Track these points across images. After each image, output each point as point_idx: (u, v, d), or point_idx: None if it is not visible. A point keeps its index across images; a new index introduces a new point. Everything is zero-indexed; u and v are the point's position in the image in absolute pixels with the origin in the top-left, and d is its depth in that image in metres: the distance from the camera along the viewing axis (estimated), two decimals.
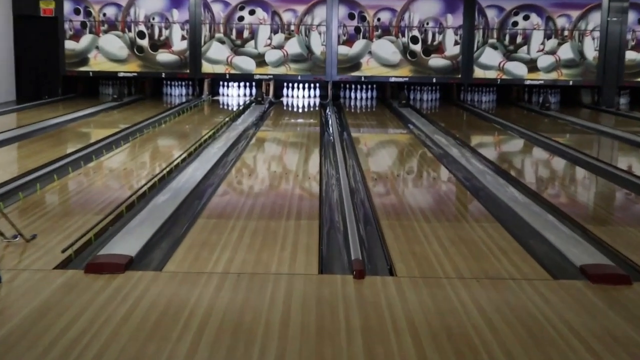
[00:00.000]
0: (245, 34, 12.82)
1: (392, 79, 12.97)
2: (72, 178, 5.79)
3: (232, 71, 12.94)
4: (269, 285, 3.27)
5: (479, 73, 13.06)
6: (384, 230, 4.31)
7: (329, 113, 11.03)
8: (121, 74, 12.78)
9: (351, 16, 12.86)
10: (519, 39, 13.00)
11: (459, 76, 13.04)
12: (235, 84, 13.36)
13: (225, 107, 12.27)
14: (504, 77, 13.04)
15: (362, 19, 12.86)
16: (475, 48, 12.98)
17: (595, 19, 12.97)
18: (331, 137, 8.57)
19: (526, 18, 12.96)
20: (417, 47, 12.87)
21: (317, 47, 12.85)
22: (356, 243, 3.87)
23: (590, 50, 12.97)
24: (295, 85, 13.43)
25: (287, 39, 12.85)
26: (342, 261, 3.78)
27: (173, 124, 9.50)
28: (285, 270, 3.51)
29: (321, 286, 3.27)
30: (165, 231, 4.21)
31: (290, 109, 12.40)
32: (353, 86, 13.44)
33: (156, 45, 12.77)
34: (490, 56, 13.04)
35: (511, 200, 5.09)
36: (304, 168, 6.49)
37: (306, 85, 13.43)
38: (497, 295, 3.22)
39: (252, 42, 12.83)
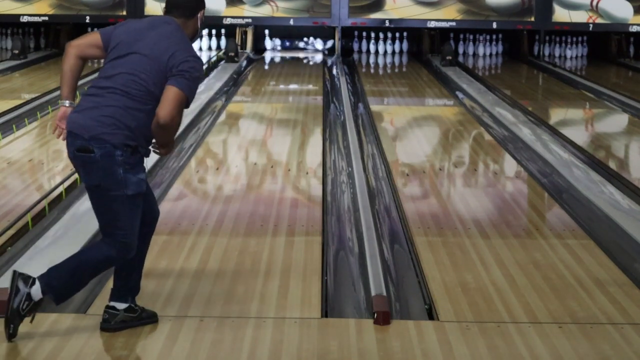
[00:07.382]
0: None
1: (432, 24, 12.94)
2: None
3: None
4: (247, 335, 3.27)
5: (561, 15, 13.02)
6: (420, 251, 4.30)
7: (337, 75, 11.02)
8: (25, 18, 12.77)
9: None
10: None
11: (532, 19, 13.01)
12: None
13: None
14: (599, 20, 13.02)
15: None
16: None
17: None
18: (340, 112, 8.56)
19: None
20: None
21: None
22: (378, 271, 3.86)
23: None
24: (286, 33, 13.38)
25: None
26: (357, 298, 3.77)
27: None
28: (272, 312, 3.50)
29: (326, 336, 3.26)
30: None
31: (277, 69, 12.36)
32: (373, 35, 13.41)
33: None
34: None
35: (610, 205, 5.08)
36: (298, 159, 6.49)
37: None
38: (590, 347, 3.22)
39: None
